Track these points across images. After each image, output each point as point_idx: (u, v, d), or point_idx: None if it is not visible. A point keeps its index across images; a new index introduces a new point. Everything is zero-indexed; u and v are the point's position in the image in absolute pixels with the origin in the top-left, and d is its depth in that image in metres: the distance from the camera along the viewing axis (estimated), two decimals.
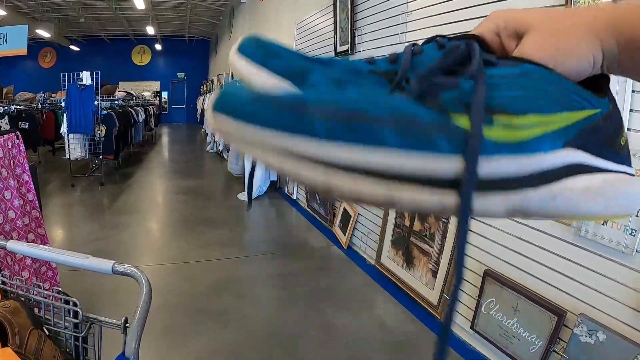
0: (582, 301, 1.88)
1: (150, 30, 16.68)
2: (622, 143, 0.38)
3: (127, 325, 1.01)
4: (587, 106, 0.34)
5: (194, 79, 19.94)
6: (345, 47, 4.01)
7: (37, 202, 2.35)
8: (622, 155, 0.38)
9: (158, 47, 19.71)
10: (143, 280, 1.02)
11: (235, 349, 2.52)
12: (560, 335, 1.95)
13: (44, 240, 2.36)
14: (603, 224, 1.78)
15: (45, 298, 1.11)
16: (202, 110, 13.96)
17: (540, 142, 0.30)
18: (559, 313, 1.94)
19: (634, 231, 1.67)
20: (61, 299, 1.09)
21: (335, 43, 4.23)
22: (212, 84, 14.44)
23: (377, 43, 3.51)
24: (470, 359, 2.43)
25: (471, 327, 2.41)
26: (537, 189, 0.30)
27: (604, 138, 0.36)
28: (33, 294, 1.13)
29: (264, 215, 5.61)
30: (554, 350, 1.97)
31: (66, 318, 1.09)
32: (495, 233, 2.31)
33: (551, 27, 0.35)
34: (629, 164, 0.38)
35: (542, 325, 2.02)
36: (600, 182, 0.33)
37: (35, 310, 1.11)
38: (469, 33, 0.38)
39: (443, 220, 2.74)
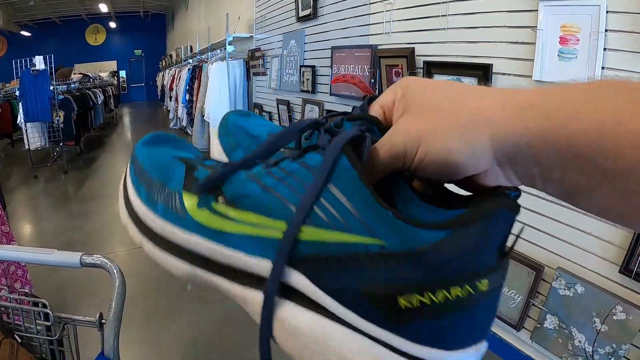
0: (560, 255, 1.90)
1: (103, 7, 15.99)
2: (411, 304, 0.26)
3: (103, 321, 0.96)
4: (359, 230, 0.27)
5: (152, 55, 19.38)
6: (307, 12, 3.91)
7: None
8: (400, 325, 0.27)
9: (112, 25, 19.03)
10: (115, 271, 0.96)
11: (217, 328, 2.50)
12: (539, 290, 1.98)
13: (9, 238, 2.26)
14: None
15: (13, 302, 1.04)
16: (162, 87, 13.65)
17: (243, 241, 0.30)
18: (536, 267, 1.97)
19: None
20: (29, 302, 1.02)
21: (297, 8, 4.11)
22: (171, 58, 14.09)
23: (341, 5, 3.41)
24: None
25: None
26: (253, 291, 0.30)
27: (364, 283, 0.27)
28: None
29: None
30: (533, 304, 2.00)
31: (37, 321, 1.02)
32: None
33: (431, 110, 0.33)
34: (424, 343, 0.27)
35: (520, 281, 2.04)
36: (306, 327, 0.29)
37: (4, 317, 1.05)
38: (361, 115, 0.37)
39: None
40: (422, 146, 0.32)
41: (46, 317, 1.01)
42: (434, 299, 0.26)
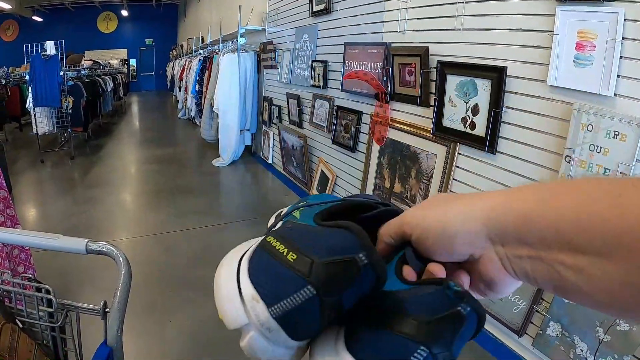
0: None
1: None
2: None
3: (107, 310, 0.95)
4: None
5: (162, 45, 19.38)
6: (321, 6, 3.89)
7: (4, 181, 2.24)
8: None
9: (124, 13, 19.03)
10: (120, 259, 0.94)
11: (220, 320, 2.49)
12: (543, 296, 1.97)
13: (13, 221, 2.26)
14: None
15: (15, 287, 1.02)
16: (172, 77, 13.66)
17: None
18: None
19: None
20: (32, 287, 1.01)
21: (311, 2, 4.10)
22: (182, 49, 14.09)
23: (356, 1, 3.38)
24: None
25: None
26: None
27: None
28: (2, 283, 1.05)
29: (240, 181, 5.57)
30: (536, 311, 1.99)
31: (40, 307, 1.01)
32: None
33: (433, 202, 0.41)
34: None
35: (525, 286, 2.01)
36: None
37: (6, 301, 1.04)
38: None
39: (424, 181, 2.72)
40: (424, 220, 0.39)
41: (49, 303, 1.00)
42: None
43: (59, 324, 1.01)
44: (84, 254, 0.96)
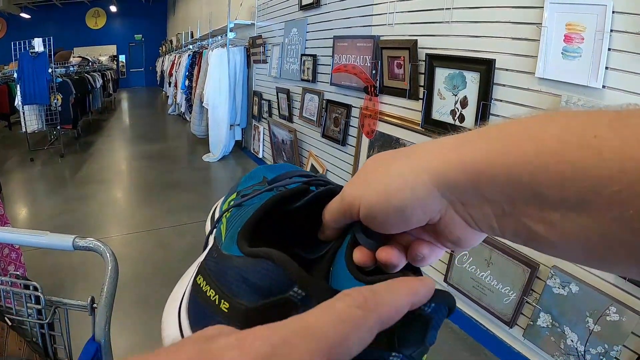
0: None
1: None
2: None
3: (95, 305, 0.95)
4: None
5: (152, 40, 19.26)
6: (310, 0, 3.87)
7: None
8: None
9: (113, 9, 18.86)
10: (107, 254, 0.94)
11: None
12: (534, 287, 1.98)
13: (3, 220, 2.25)
14: None
15: (3, 285, 1.02)
16: (162, 73, 13.59)
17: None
18: (532, 265, 1.96)
19: None
20: (21, 284, 1.01)
21: None
22: (171, 44, 14.01)
23: None
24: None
25: (445, 281, 2.44)
26: None
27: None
28: None
29: (231, 176, 5.56)
30: (527, 302, 2.01)
31: (28, 304, 1.01)
32: None
33: (373, 169, 0.35)
34: None
35: (515, 278, 2.04)
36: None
37: None
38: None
39: None
40: (366, 193, 0.34)
41: (37, 300, 0.99)
42: None
43: (47, 320, 1.00)
44: (71, 250, 0.96)
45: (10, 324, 1.00)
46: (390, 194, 0.32)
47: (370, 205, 0.33)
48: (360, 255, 0.35)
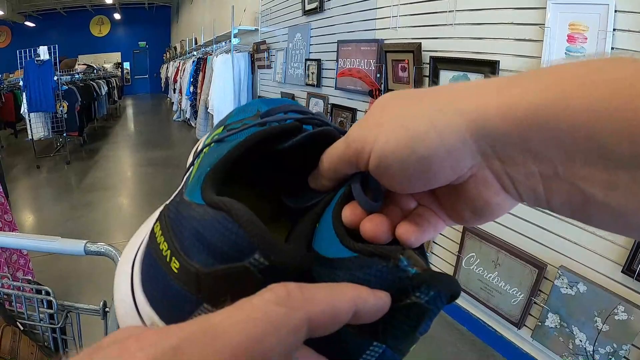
0: (562, 254, 1.90)
1: None
2: None
3: (107, 309, 0.96)
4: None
5: (156, 47, 19.33)
6: (314, 5, 3.89)
7: (1, 188, 2.25)
8: None
9: (117, 16, 18.97)
10: (119, 259, 0.96)
11: None
12: (541, 288, 1.98)
13: (11, 227, 2.26)
14: None
15: (15, 290, 1.04)
16: (166, 79, 13.64)
17: None
18: (539, 266, 1.96)
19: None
20: (32, 289, 1.02)
21: (303, 1, 4.10)
22: (175, 51, 14.07)
23: None
24: (453, 314, 2.47)
25: None
26: None
27: None
28: (2, 286, 1.05)
29: None
30: (535, 302, 2.00)
31: (40, 309, 1.02)
32: None
33: (393, 105, 0.28)
34: None
35: (522, 278, 2.04)
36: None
37: (6, 304, 1.04)
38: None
39: None
40: (378, 138, 0.26)
41: (49, 304, 1.00)
42: None
43: (59, 325, 1.01)
44: (82, 255, 0.96)
45: (22, 328, 1.01)
46: (415, 139, 0.25)
47: (386, 152, 0.26)
48: (350, 213, 0.29)
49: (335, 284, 0.23)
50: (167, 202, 0.35)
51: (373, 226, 0.27)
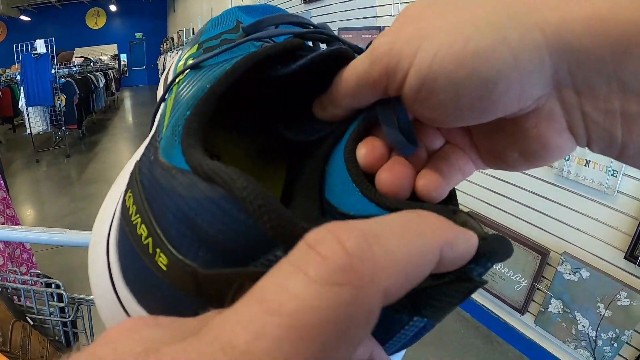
0: (565, 240, 1.91)
1: None
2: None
3: None
4: None
5: (153, 38, 19.20)
6: None
7: (2, 182, 2.25)
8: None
9: (113, 8, 18.81)
10: None
11: None
12: (544, 274, 1.99)
13: (14, 221, 2.27)
14: (585, 165, 1.78)
15: (24, 284, 1.03)
16: (164, 70, 13.57)
17: None
18: (542, 252, 1.97)
19: (615, 172, 1.68)
20: (41, 283, 1.01)
21: None
22: (173, 41, 13.99)
23: None
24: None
25: None
26: None
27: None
28: (9, 281, 1.05)
29: None
30: (538, 288, 2.01)
31: (50, 303, 1.01)
32: (476, 175, 2.31)
33: (438, 7, 0.21)
34: None
35: (526, 265, 2.05)
36: None
37: (15, 299, 1.04)
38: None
39: None
40: (422, 51, 0.20)
41: (59, 298, 1.00)
42: None
43: (70, 318, 1.01)
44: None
45: (32, 323, 1.02)
46: (478, 54, 0.18)
47: (434, 71, 0.19)
48: (368, 154, 0.23)
49: (412, 220, 0.15)
50: (137, 155, 0.26)
51: (392, 178, 0.22)
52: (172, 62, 0.39)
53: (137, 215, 0.20)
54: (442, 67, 0.19)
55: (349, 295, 0.12)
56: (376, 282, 0.12)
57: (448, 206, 0.21)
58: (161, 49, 16.56)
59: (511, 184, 2.11)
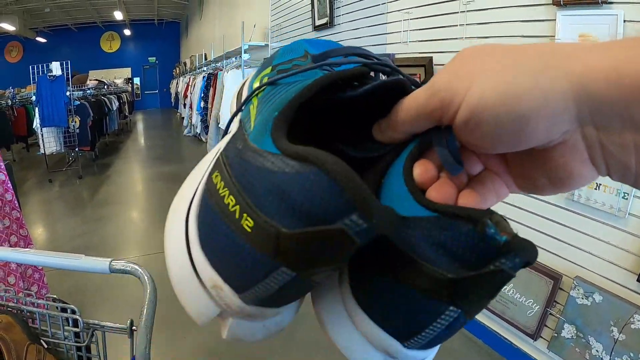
0: (577, 264, 1.90)
1: (118, 15, 16.17)
2: None
3: (134, 328, 0.97)
4: None
5: (165, 62, 19.53)
6: (324, 20, 3.92)
7: (16, 202, 2.27)
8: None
9: (127, 32, 19.20)
10: (145, 277, 0.95)
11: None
12: (557, 299, 1.97)
13: (27, 241, 2.29)
14: (595, 189, 1.78)
15: (40, 308, 1.05)
16: (176, 94, 13.74)
17: None
18: (554, 277, 1.96)
19: (626, 194, 1.68)
20: (57, 307, 1.02)
21: (313, 17, 4.13)
22: (185, 66, 14.19)
23: (358, 14, 3.41)
24: (470, 328, 2.46)
25: None
26: None
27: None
28: (25, 304, 1.06)
29: None
30: (550, 314, 1.99)
31: (65, 327, 1.02)
32: None
33: (487, 53, 0.25)
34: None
35: (538, 290, 2.03)
36: None
37: (30, 321, 1.05)
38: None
39: None
40: (473, 89, 0.24)
41: (75, 323, 1.01)
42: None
43: (85, 343, 1.02)
44: (107, 274, 0.96)
45: (46, 346, 1.03)
46: (516, 96, 0.23)
47: (481, 107, 0.23)
48: (422, 173, 0.27)
49: None
50: (220, 147, 0.32)
51: (439, 196, 0.26)
52: (244, 81, 0.49)
53: (225, 189, 0.26)
54: (488, 104, 0.23)
55: None
56: None
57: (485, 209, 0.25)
58: (174, 73, 16.81)
59: (522, 209, 2.10)
